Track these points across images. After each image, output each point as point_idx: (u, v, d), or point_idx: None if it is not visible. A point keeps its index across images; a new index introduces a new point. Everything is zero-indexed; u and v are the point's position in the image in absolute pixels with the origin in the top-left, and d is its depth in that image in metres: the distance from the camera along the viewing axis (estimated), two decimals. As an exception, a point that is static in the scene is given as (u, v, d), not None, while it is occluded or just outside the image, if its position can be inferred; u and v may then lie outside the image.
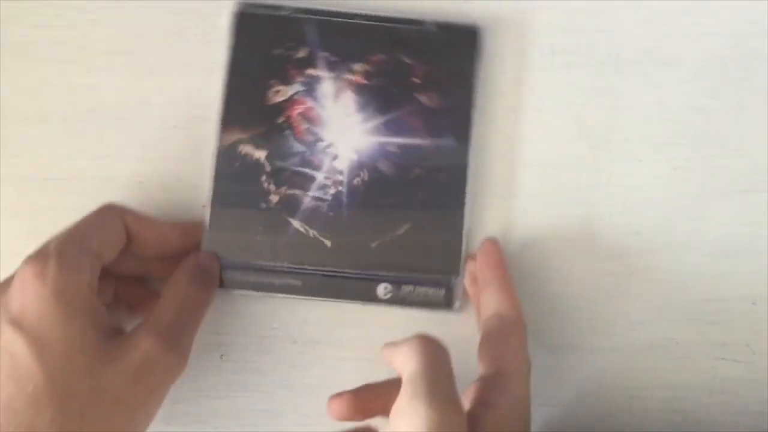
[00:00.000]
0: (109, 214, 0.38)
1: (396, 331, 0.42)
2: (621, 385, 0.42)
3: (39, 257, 0.35)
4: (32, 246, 0.42)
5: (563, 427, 0.42)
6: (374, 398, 0.35)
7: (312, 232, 0.41)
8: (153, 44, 0.44)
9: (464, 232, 0.41)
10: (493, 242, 0.42)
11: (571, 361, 0.42)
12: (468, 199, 0.42)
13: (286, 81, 0.42)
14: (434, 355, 0.33)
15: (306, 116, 0.42)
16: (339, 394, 0.36)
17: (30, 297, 0.34)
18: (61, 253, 0.35)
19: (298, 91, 0.42)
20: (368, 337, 0.42)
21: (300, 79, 0.42)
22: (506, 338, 0.37)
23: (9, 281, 0.36)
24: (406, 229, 0.41)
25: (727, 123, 0.44)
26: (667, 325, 0.42)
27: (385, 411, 0.35)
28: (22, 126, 0.44)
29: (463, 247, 0.41)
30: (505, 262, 0.41)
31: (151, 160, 0.43)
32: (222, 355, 0.42)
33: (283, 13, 0.43)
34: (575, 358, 0.42)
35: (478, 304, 0.40)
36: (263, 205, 0.41)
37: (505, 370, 0.36)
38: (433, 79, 0.42)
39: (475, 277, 0.41)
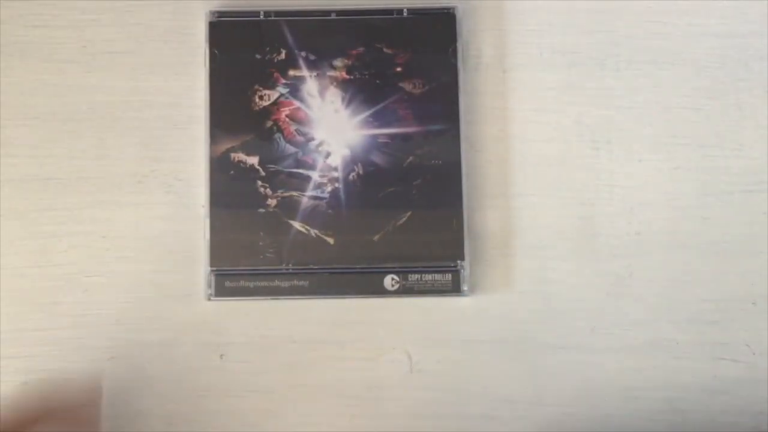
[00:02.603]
0: None
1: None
2: (621, 385, 0.42)
3: None
4: (32, 246, 0.43)
5: (563, 427, 0.42)
6: None
7: (314, 232, 0.41)
8: (153, 44, 0.44)
9: (465, 214, 0.42)
10: None
11: (571, 361, 0.42)
12: (465, 181, 0.42)
13: (270, 84, 0.43)
14: None
15: (294, 117, 0.42)
16: None
17: None
18: None
19: (283, 93, 0.43)
20: (369, 336, 0.42)
21: (283, 81, 0.43)
22: None
23: None
24: (407, 218, 0.42)
25: (727, 123, 0.44)
26: (667, 325, 0.42)
27: None
28: (22, 126, 0.44)
29: (466, 230, 0.41)
30: None
31: (151, 160, 0.43)
32: (222, 355, 0.42)
33: (257, 17, 0.43)
34: (575, 358, 0.42)
35: None
36: (262, 210, 0.42)
37: None
38: (414, 66, 0.43)
39: None
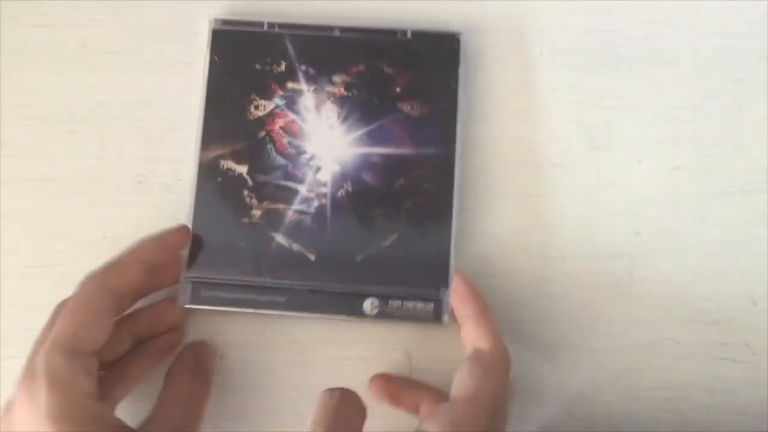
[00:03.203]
0: (93, 301, 0.35)
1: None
2: (621, 385, 0.42)
3: (28, 378, 0.33)
4: (32, 246, 0.43)
5: (563, 427, 0.42)
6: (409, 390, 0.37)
7: (295, 246, 0.41)
8: (153, 44, 0.44)
9: (452, 242, 0.41)
10: (459, 276, 0.39)
11: (571, 361, 0.42)
12: (455, 209, 0.41)
13: (267, 95, 0.42)
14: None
15: (287, 129, 0.42)
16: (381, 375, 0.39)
17: (28, 423, 0.32)
18: (50, 370, 0.33)
19: (279, 105, 0.42)
20: (369, 337, 0.42)
21: (280, 93, 0.42)
22: (471, 369, 0.36)
23: (13, 402, 0.34)
24: (393, 241, 0.41)
25: (727, 123, 0.44)
26: (667, 325, 0.42)
27: (413, 408, 0.38)
28: (22, 126, 0.44)
29: (452, 259, 0.40)
30: (476, 293, 0.38)
31: (151, 160, 0.43)
32: (222, 355, 0.42)
33: (261, 29, 0.43)
34: (575, 358, 0.42)
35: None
36: (246, 220, 0.41)
37: (457, 398, 0.34)
38: (414, 87, 0.42)
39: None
